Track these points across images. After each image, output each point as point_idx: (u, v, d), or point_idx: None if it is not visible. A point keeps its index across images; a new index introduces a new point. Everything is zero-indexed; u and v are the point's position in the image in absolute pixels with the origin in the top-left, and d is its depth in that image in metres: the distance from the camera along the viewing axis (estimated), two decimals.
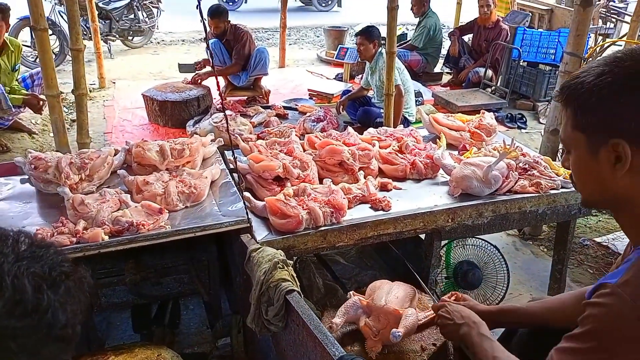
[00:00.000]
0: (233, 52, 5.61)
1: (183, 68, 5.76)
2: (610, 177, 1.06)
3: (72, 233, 1.77)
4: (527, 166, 2.42)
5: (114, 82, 6.74)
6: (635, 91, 1.00)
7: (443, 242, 2.43)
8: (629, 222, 1.11)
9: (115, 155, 2.38)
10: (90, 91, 6.21)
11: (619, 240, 3.33)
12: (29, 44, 6.76)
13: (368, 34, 4.90)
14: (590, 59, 4.69)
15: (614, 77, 1.02)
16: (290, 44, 9.55)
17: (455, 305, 1.57)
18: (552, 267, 2.70)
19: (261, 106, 5.43)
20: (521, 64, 6.17)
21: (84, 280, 0.85)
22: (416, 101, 5.41)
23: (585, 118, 1.07)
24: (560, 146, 3.63)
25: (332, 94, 6.05)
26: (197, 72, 5.48)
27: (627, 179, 1.05)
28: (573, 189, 2.33)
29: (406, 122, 4.76)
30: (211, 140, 2.60)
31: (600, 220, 3.64)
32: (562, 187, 2.35)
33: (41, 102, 4.48)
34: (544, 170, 2.39)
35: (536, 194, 2.29)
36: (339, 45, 7.28)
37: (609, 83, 1.02)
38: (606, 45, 5.72)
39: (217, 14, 5.41)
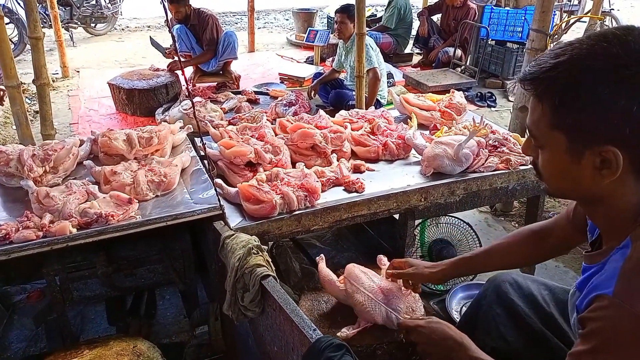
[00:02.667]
0: (202, 39, 5.50)
1: (155, 44, 5.61)
2: (591, 181, 0.97)
3: (38, 227, 1.72)
4: (496, 143, 2.45)
5: (78, 71, 6.55)
6: (630, 92, 0.87)
7: (417, 222, 2.45)
8: (605, 219, 1.05)
9: (80, 145, 2.31)
10: (53, 81, 6.02)
11: None
12: None
13: (349, 12, 4.69)
14: (556, 35, 4.76)
15: (602, 72, 0.89)
16: (259, 28, 9.43)
17: (428, 324, 1.43)
18: None
19: (232, 92, 5.36)
20: (489, 42, 6.23)
21: None
22: (388, 83, 5.42)
23: (568, 118, 0.93)
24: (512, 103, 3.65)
25: (304, 78, 6.02)
26: (173, 60, 5.37)
27: (611, 184, 0.95)
28: None
29: (378, 104, 4.76)
30: (180, 128, 2.55)
31: None
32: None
33: (1, 93, 4.31)
34: (513, 147, 2.42)
35: (506, 171, 2.33)
36: (309, 28, 7.22)
37: (596, 79, 0.89)
38: (572, 21, 5.82)
39: None
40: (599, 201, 1.01)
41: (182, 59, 5.61)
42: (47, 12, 6.60)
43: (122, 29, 9.28)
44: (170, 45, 5.54)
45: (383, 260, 1.97)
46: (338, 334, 1.71)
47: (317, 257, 2.04)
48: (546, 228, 1.54)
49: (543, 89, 0.96)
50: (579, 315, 1.02)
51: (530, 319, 1.48)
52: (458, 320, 1.92)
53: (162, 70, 5.31)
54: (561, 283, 1.63)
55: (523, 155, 2.38)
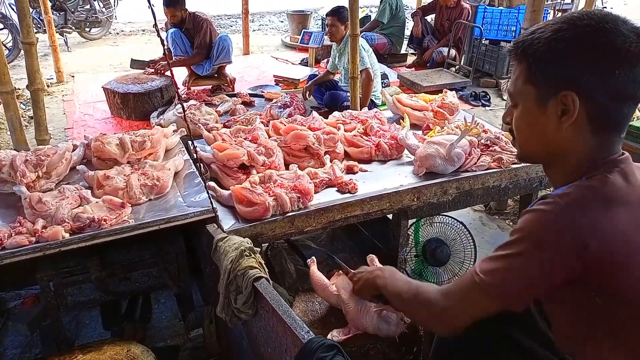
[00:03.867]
0: (194, 41, 5.50)
1: (136, 64, 5.59)
2: (554, 130, 1.10)
3: (31, 232, 1.72)
4: (488, 142, 2.46)
5: (73, 76, 6.54)
6: (590, 50, 1.02)
7: (411, 221, 2.46)
8: (562, 177, 1.13)
9: (73, 150, 2.31)
10: (47, 86, 6.01)
11: None
12: None
13: (339, 14, 4.77)
14: None
15: (571, 34, 1.04)
16: (254, 30, 9.43)
17: (361, 267, 1.73)
18: None
19: (227, 94, 5.35)
20: (483, 42, 6.25)
21: None
22: (382, 83, 5.42)
23: (538, 72, 1.09)
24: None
25: (298, 79, 6.02)
26: (159, 63, 5.35)
27: (569, 131, 1.08)
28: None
29: (373, 105, 4.77)
30: (173, 131, 2.55)
31: None
32: (516, 159, 2.40)
33: None
34: (505, 146, 2.44)
35: (498, 169, 2.34)
36: (303, 30, 7.23)
37: (566, 39, 1.04)
38: None
39: (172, 2, 5.27)
40: (560, 156, 1.13)
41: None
42: (41, 17, 6.58)
43: (117, 33, 9.27)
44: (159, 58, 5.54)
45: (375, 261, 1.98)
46: (328, 336, 1.72)
47: (309, 260, 2.02)
48: None
49: (522, 50, 1.12)
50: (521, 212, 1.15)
51: None
52: None
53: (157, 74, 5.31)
54: None
55: (515, 154, 2.39)
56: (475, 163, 2.33)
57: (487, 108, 5.63)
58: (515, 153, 1.28)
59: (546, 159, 1.18)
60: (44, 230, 1.73)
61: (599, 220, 1.00)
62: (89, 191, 2.02)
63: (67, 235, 1.74)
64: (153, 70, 5.30)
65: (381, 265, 1.62)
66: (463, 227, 2.73)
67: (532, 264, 1.04)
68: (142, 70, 5.40)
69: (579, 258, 1.00)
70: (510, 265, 1.07)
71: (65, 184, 2.10)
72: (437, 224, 2.74)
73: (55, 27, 6.74)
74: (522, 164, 2.39)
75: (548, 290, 1.08)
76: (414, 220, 2.69)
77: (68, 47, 7.74)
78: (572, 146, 1.10)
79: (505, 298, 1.10)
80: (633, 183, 1.07)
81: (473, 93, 5.85)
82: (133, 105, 4.96)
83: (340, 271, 1.94)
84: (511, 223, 3.38)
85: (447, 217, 2.74)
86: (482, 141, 2.47)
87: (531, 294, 1.12)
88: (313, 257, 2.03)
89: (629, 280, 1.01)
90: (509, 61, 6.00)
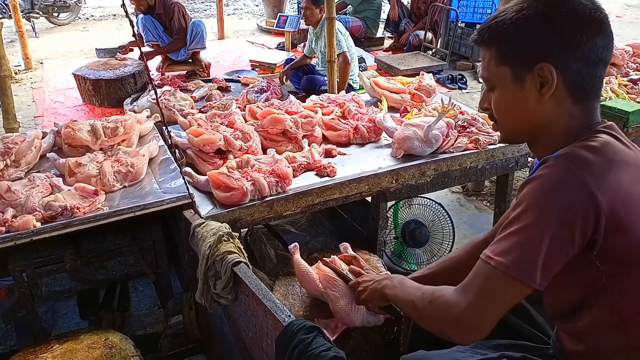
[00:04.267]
0: (171, 27, 5.38)
1: (101, 53, 5.42)
2: (535, 104, 1.10)
3: (0, 222, 1.67)
4: (465, 124, 2.47)
5: (42, 63, 6.34)
6: (556, 21, 1.05)
7: (390, 204, 2.48)
8: (546, 150, 1.10)
9: (43, 138, 2.24)
10: (15, 73, 5.82)
11: None
12: None
13: None
14: None
15: (535, 10, 1.06)
16: (228, 14, 9.27)
17: (365, 275, 1.61)
18: (495, 220, 2.81)
19: (202, 80, 5.26)
20: (459, 25, 6.26)
21: None
22: (360, 67, 5.40)
23: (510, 50, 1.10)
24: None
25: (275, 64, 5.95)
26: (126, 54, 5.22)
27: (550, 103, 1.09)
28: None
29: (350, 89, 4.74)
30: (147, 117, 2.50)
31: None
32: (500, 142, 2.42)
33: None
34: (482, 127, 2.45)
35: (475, 150, 2.36)
36: (279, 14, 7.13)
37: (530, 16, 1.06)
38: None
39: None
40: (544, 130, 1.12)
41: (150, 49, 5.48)
42: (5, 2, 6.36)
43: (87, 18, 9.00)
44: (128, 42, 5.39)
45: (348, 249, 1.92)
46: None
47: (292, 247, 1.90)
48: (489, 239, 1.53)
49: (489, 34, 1.13)
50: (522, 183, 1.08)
51: None
52: None
53: (130, 59, 5.18)
54: None
55: (492, 134, 2.41)
56: (453, 144, 2.34)
57: (463, 91, 5.67)
58: (498, 136, 1.27)
59: (531, 136, 1.17)
60: (14, 219, 1.68)
61: (604, 174, 0.98)
62: (60, 179, 1.97)
63: (38, 225, 1.69)
64: (124, 55, 5.17)
65: (389, 274, 1.49)
66: (441, 209, 2.76)
67: (548, 230, 0.96)
68: (112, 55, 5.25)
69: (593, 213, 0.96)
70: (525, 238, 0.98)
71: (35, 172, 2.04)
72: (416, 205, 2.76)
73: (22, 12, 6.51)
74: (499, 145, 2.41)
75: (569, 259, 1.00)
76: (393, 202, 2.70)
77: (36, 33, 7.50)
78: (556, 118, 1.10)
79: (527, 276, 0.98)
80: (628, 144, 1.08)
81: (450, 76, 5.87)
82: (105, 92, 4.84)
83: (323, 260, 1.84)
84: (488, 204, 3.43)
85: (425, 199, 2.76)
86: (459, 123, 2.48)
87: (553, 265, 0.99)
88: (296, 244, 1.90)
89: (631, 242, 0.99)
90: None
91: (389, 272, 1.93)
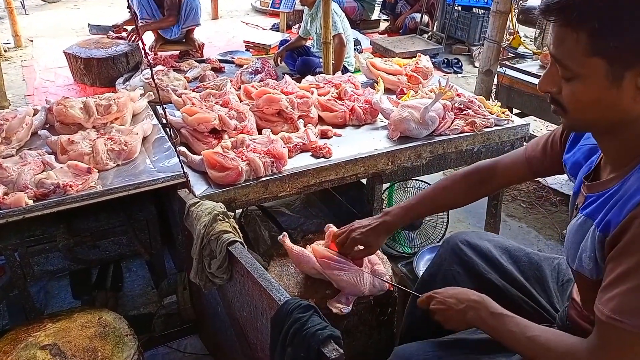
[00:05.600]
0: (164, 4, 5.28)
1: (95, 29, 5.32)
2: (629, 103, 0.95)
3: None
4: (462, 106, 2.46)
5: (32, 40, 6.23)
6: None
7: (385, 186, 2.46)
8: (621, 146, 1.03)
9: (34, 115, 2.20)
10: (5, 51, 5.72)
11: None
12: None
13: None
14: None
15: None
16: None
17: (443, 291, 1.37)
18: (488, 204, 2.81)
19: (195, 60, 5.20)
20: (456, 8, 6.21)
21: None
22: (355, 49, 5.35)
23: (609, 42, 0.90)
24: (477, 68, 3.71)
25: (270, 45, 5.89)
26: (127, 31, 5.11)
27: None
28: (506, 125, 2.42)
29: (345, 71, 4.70)
30: (141, 95, 2.46)
31: None
32: (496, 125, 2.41)
33: None
34: (478, 110, 2.44)
35: (471, 133, 2.35)
36: None
37: None
38: None
39: None
40: (626, 126, 0.99)
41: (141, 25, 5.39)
42: None
43: None
44: (122, 22, 5.29)
45: (332, 228, 1.86)
46: (334, 311, 1.68)
47: (280, 237, 1.81)
48: (491, 168, 1.55)
49: (578, 15, 0.91)
50: (612, 233, 0.97)
51: (490, 274, 1.52)
52: None
53: (122, 38, 5.10)
54: (524, 242, 1.67)
55: (488, 117, 2.40)
56: (449, 127, 2.33)
57: (459, 75, 5.65)
58: (563, 123, 1.13)
59: (608, 129, 1.03)
60: (5, 197, 1.65)
61: None
62: (52, 157, 1.94)
63: (30, 202, 1.66)
64: (117, 35, 5.08)
65: (473, 294, 1.30)
66: None
67: None
68: (104, 33, 5.16)
69: None
70: None
71: (27, 149, 2.00)
72: (410, 188, 2.75)
73: None
74: (495, 128, 2.40)
75: None
76: (388, 185, 2.69)
77: (25, 10, 7.36)
78: None
79: None
80: None
81: (445, 60, 5.85)
82: (97, 71, 4.77)
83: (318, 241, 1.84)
84: None
85: (420, 182, 2.76)
86: (456, 105, 2.47)
87: None
88: (284, 233, 1.82)
89: None
90: (481, 28, 5.99)
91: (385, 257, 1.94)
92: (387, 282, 1.74)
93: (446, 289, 1.37)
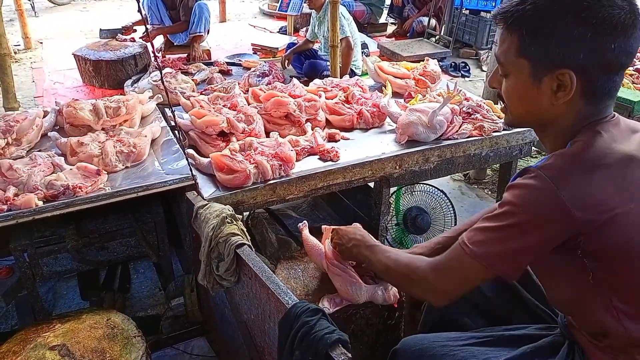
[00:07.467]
0: (179, 8, 5.30)
1: (104, 33, 5.35)
2: (547, 104, 1.09)
3: (2, 200, 1.65)
4: (470, 110, 2.45)
5: (41, 42, 6.28)
6: (589, 26, 0.99)
7: (392, 190, 2.46)
8: (553, 140, 1.15)
9: (44, 117, 2.22)
10: (15, 52, 5.77)
11: None
12: None
13: None
14: None
15: (568, 7, 1.00)
16: None
17: (344, 229, 1.66)
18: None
19: (203, 63, 5.21)
20: (463, 12, 6.20)
21: None
22: (362, 53, 5.35)
23: (533, 46, 1.05)
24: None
25: (277, 48, 5.90)
26: (129, 35, 5.15)
27: (563, 105, 1.08)
28: (514, 130, 2.41)
29: (353, 74, 4.70)
30: (149, 97, 2.47)
31: None
32: (504, 130, 2.41)
33: None
34: (487, 114, 2.43)
35: (479, 137, 2.34)
36: None
37: (562, 11, 1.01)
38: None
39: None
40: (551, 123, 1.13)
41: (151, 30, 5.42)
42: None
43: None
44: (131, 23, 5.30)
45: (328, 230, 1.89)
46: (319, 304, 1.70)
47: (300, 225, 1.95)
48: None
49: (513, 21, 1.07)
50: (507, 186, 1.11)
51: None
52: None
53: (132, 39, 5.13)
54: None
55: (496, 122, 2.40)
56: (457, 131, 2.32)
57: (466, 79, 5.64)
58: (504, 118, 1.27)
59: (538, 126, 1.18)
60: (15, 198, 1.67)
61: (581, 188, 1.00)
62: (62, 158, 1.95)
63: (40, 203, 1.68)
64: (127, 35, 5.11)
65: (359, 233, 1.59)
66: (444, 196, 2.76)
67: (522, 236, 1.05)
68: (114, 36, 5.19)
69: (566, 226, 1.01)
70: (500, 238, 1.08)
71: (37, 151, 2.02)
72: (418, 192, 2.75)
73: None
74: (503, 132, 2.40)
75: (538, 258, 1.10)
76: (395, 188, 2.69)
77: (35, 12, 7.42)
78: (565, 115, 1.09)
79: (497, 268, 1.09)
80: (618, 142, 1.06)
81: (453, 64, 5.83)
82: (106, 73, 4.80)
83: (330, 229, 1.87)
84: (489, 192, 3.42)
85: (427, 186, 2.75)
86: (464, 109, 2.46)
87: (523, 263, 1.12)
88: (305, 222, 1.96)
89: (613, 242, 1.02)
90: (488, 32, 5.97)
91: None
92: (393, 296, 1.74)
93: (346, 227, 1.67)
